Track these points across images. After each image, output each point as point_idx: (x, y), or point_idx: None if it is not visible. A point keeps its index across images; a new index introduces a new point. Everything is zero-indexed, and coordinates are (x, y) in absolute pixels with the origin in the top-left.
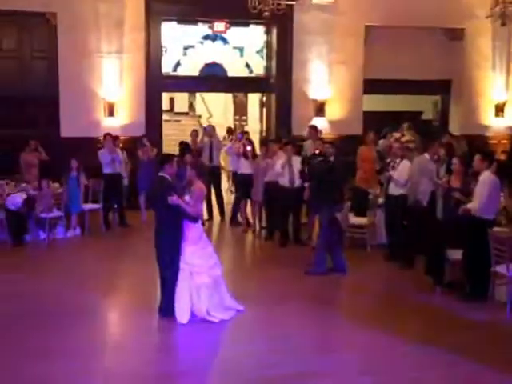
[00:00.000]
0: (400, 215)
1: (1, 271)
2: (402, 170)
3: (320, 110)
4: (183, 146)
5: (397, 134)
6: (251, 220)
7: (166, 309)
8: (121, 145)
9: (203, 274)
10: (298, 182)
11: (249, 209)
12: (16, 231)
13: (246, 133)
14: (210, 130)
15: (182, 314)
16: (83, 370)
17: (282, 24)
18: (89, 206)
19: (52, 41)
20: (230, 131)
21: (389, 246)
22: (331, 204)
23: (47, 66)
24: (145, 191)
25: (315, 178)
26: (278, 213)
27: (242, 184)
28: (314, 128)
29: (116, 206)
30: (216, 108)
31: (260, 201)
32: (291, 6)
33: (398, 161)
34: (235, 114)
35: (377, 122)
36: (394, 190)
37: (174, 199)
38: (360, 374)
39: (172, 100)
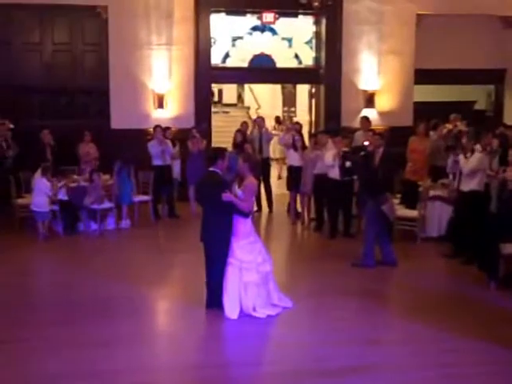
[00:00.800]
0: (471, 212)
1: (53, 261)
2: (474, 161)
3: (370, 100)
4: (241, 136)
5: (449, 125)
6: (301, 212)
7: (213, 302)
8: (170, 136)
9: (252, 271)
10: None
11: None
12: (68, 221)
13: (297, 123)
14: (259, 122)
15: (232, 310)
16: (133, 360)
17: (331, 14)
18: (139, 197)
19: (103, 34)
20: (278, 121)
21: (452, 241)
22: (375, 196)
23: (98, 58)
24: (194, 183)
25: (357, 171)
26: (328, 205)
27: (292, 176)
28: (366, 119)
29: (165, 197)
30: (264, 99)
31: (309, 193)
32: None
33: (468, 154)
34: (284, 105)
35: (428, 113)
36: (465, 185)
37: (227, 196)
38: (411, 367)
39: (220, 91)
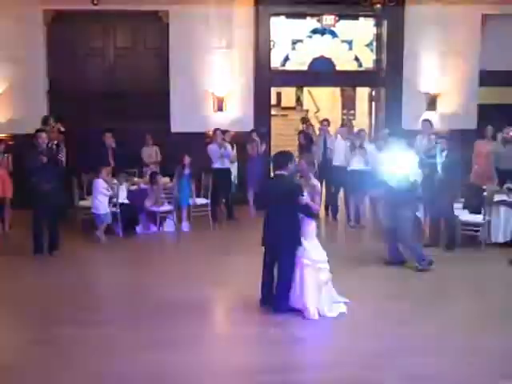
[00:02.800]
0: None
1: (114, 263)
2: None
3: (432, 103)
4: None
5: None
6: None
7: (280, 304)
8: (229, 139)
9: (326, 270)
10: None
11: None
12: (127, 224)
13: (345, 126)
14: (324, 124)
15: (313, 311)
16: (193, 361)
17: (392, 16)
18: (198, 200)
19: (164, 38)
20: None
21: None
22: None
23: (159, 62)
24: (253, 186)
25: None
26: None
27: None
28: (428, 122)
29: (224, 200)
30: (323, 102)
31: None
32: None
33: None
34: (343, 108)
35: (493, 116)
36: None
37: (304, 199)
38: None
39: (279, 94)
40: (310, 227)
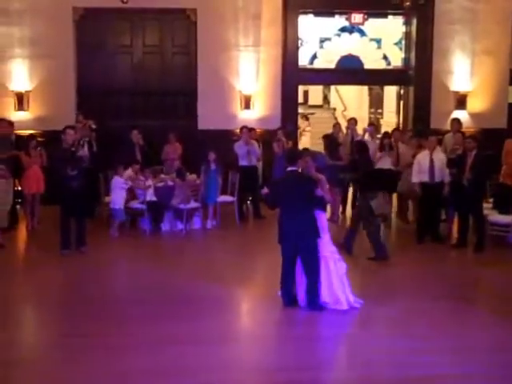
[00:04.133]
0: None
1: (140, 260)
2: None
3: (461, 102)
4: (330, 139)
5: None
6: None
7: (315, 300)
8: (256, 137)
9: (343, 261)
10: (438, 178)
11: None
12: (153, 221)
13: (372, 125)
14: (351, 124)
15: (342, 302)
16: (216, 357)
17: (422, 14)
18: (225, 197)
19: (191, 36)
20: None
21: None
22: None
23: (187, 60)
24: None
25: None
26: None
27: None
28: (456, 121)
29: (251, 197)
30: (351, 100)
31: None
32: None
33: None
34: (370, 106)
35: None
36: None
37: (320, 191)
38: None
39: (306, 93)
40: (324, 220)
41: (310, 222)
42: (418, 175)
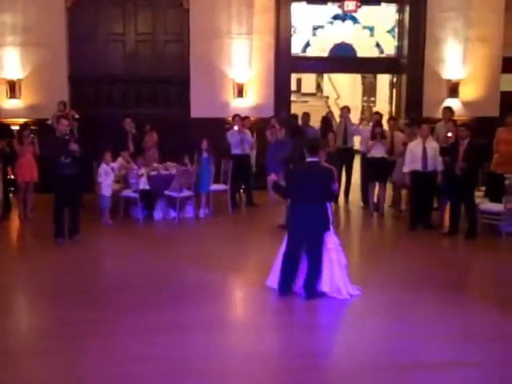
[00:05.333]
0: None
1: (133, 247)
2: None
3: (453, 90)
4: (325, 123)
5: None
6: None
7: (313, 290)
8: (249, 125)
9: (343, 253)
10: (431, 166)
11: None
12: (146, 209)
13: (377, 113)
14: (344, 111)
15: (343, 292)
16: (215, 345)
17: (415, 1)
18: (217, 186)
19: (184, 24)
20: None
21: None
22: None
23: (179, 48)
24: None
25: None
26: (408, 196)
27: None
28: (448, 109)
29: (244, 186)
30: (344, 89)
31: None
32: None
33: None
34: (363, 95)
35: None
36: None
37: (336, 185)
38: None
39: (299, 81)
40: (330, 210)
41: (323, 214)
42: (411, 164)
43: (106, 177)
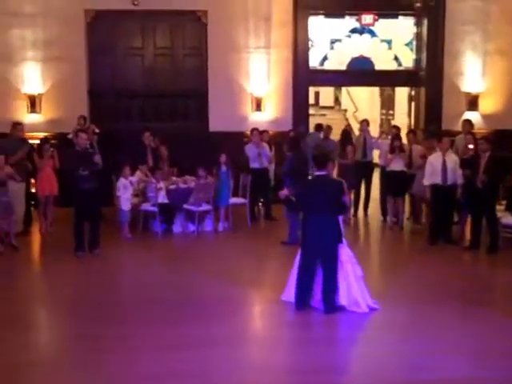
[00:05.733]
0: None
1: (152, 261)
2: None
3: (473, 103)
4: (345, 135)
5: None
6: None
7: (331, 304)
8: (267, 139)
9: (358, 265)
10: (451, 180)
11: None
12: (165, 223)
13: (395, 127)
14: (364, 125)
15: (361, 305)
16: (229, 361)
17: (433, 14)
18: (236, 199)
19: (202, 38)
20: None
21: None
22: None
23: (197, 62)
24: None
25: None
26: (429, 210)
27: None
28: (468, 122)
29: (262, 199)
30: (362, 102)
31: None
32: None
33: None
34: (382, 107)
35: None
36: None
37: (346, 197)
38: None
39: (317, 94)
40: (342, 223)
41: (335, 227)
42: (431, 177)
43: (125, 191)
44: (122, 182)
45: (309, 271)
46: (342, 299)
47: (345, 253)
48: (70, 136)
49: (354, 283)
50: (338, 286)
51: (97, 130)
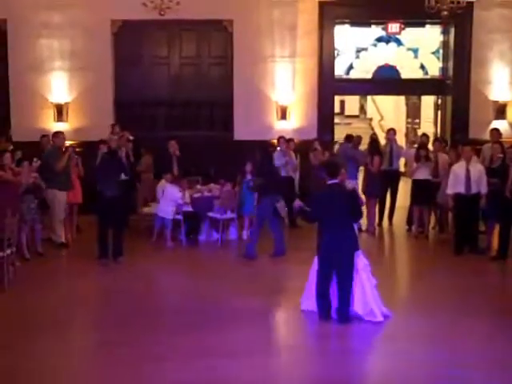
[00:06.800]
0: None
1: (178, 270)
2: None
3: (501, 112)
4: (373, 144)
5: None
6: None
7: (347, 314)
8: (293, 148)
9: (372, 275)
10: (475, 189)
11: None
12: (190, 231)
13: (424, 135)
14: (391, 133)
15: (376, 314)
16: (255, 371)
17: (460, 23)
18: None
19: (228, 47)
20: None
21: None
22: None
23: (223, 71)
24: None
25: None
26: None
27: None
28: (496, 131)
29: (287, 208)
30: (387, 110)
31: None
32: (471, 3)
33: None
34: (407, 116)
35: None
36: None
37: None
38: None
39: (343, 102)
40: (356, 231)
41: (351, 236)
42: (454, 186)
43: (171, 201)
44: (172, 192)
45: (327, 280)
46: (358, 308)
47: (360, 261)
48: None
49: (369, 292)
50: (352, 296)
51: (131, 138)
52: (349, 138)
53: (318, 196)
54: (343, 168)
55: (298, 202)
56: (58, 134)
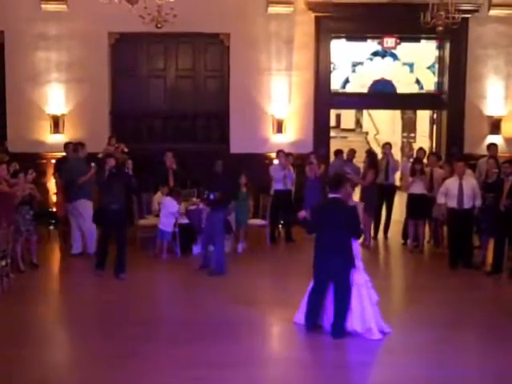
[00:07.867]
0: None
1: (172, 281)
2: None
3: (495, 127)
4: (371, 157)
5: None
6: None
7: (341, 329)
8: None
9: (374, 290)
10: (467, 203)
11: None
12: (185, 243)
13: (421, 149)
14: (387, 148)
15: (374, 331)
16: (236, 382)
17: (455, 38)
18: (256, 221)
19: (224, 60)
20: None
21: None
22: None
23: (219, 84)
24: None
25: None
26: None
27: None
28: (494, 146)
29: (283, 221)
30: (383, 124)
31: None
32: (466, 19)
33: None
34: (403, 130)
35: None
36: None
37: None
38: None
39: (338, 116)
40: (357, 248)
41: (347, 251)
42: (444, 197)
43: (170, 214)
44: (170, 205)
45: (319, 293)
46: (356, 324)
47: (361, 277)
48: (100, 155)
49: (368, 308)
50: (348, 311)
51: (126, 150)
52: (337, 153)
53: (316, 208)
54: (348, 184)
55: (302, 213)
56: (78, 146)
